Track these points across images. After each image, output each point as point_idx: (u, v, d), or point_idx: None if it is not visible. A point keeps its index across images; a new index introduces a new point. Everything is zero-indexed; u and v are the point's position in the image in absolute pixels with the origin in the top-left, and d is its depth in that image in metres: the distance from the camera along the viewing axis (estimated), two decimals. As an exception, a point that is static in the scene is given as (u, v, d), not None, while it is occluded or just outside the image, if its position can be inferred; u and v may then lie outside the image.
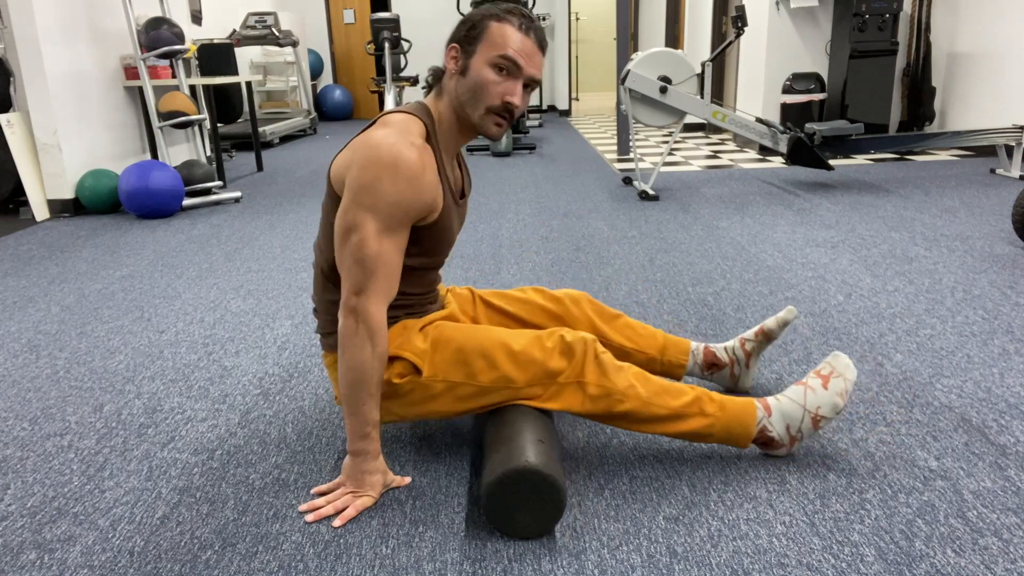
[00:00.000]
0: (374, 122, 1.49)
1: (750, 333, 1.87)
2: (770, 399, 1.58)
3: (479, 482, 1.39)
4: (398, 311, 1.59)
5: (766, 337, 1.85)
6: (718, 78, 8.12)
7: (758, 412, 1.56)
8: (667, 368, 1.85)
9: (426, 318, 1.62)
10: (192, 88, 5.26)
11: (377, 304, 1.41)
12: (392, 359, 1.53)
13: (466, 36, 1.46)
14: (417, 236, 1.51)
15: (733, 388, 1.91)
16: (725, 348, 1.88)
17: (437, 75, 1.55)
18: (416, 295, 1.61)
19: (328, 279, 1.56)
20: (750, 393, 1.92)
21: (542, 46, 1.48)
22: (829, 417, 1.54)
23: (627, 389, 1.51)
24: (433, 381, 1.53)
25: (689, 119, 8.07)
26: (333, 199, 1.48)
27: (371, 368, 1.41)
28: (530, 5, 7.61)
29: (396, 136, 1.40)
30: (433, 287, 1.66)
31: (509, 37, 1.44)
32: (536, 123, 9.23)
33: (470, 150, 6.92)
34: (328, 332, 1.60)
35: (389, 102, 6.72)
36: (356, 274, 1.39)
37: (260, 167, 6.15)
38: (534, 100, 11.12)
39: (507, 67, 1.44)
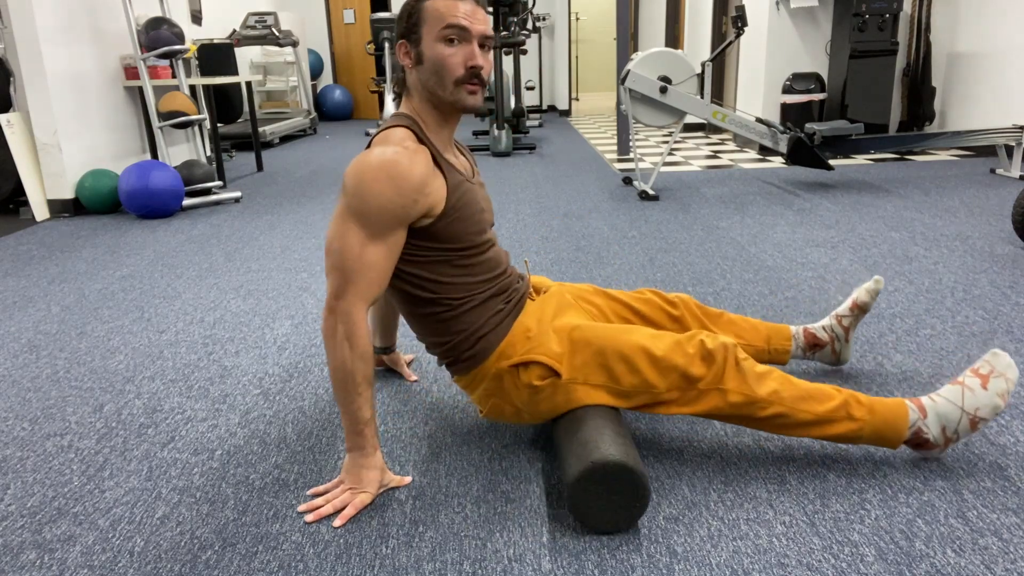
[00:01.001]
0: (369, 144, 1.51)
1: (844, 308, 1.94)
2: (924, 399, 1.54)
3: (569, 467, 1.38)
4: (494, 302, 1.58)
5: (860, 309, 1.92)
6: (718, 78, 8.12)
7: (911, 414, 1.51)
8: (774, 356, 1.91)
9: (547, 311, 1.62)
10: (192, 88, 5.26)
11: (357, 306, 1.41)
12: (528, 364, 1.54)
13: (408, 27, 1.48)
14: (440, 229, 1.49)
15: (835, 363, 1.98)
16: (823, 327, 1.94)
17: (400, 80, 1.56)
18: (494, 279, 1.60)
19: (410, 313, 1.59)
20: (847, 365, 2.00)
21: (480, 2, 1.49)
22: (988, 419, 1.49)
23: (769, 395, 1.50)
24: (573, 384, 1.53)
25: (689, 119, 8.07)
26: None
27: (353, 368, 1.42)
28: (530, 5, 7.60)
29: (380, 144, 1.44)
30: (503, 266, 1.64)
31: (445, 7, 1.45)
32: (536, 123, 9.24)
33: (470, 150, 6.92)
34: (447, 362, 1.62)
35: (389, 102, 6.72)
36: (337, 277, 1.41)
37: (260, 167, 6.15)
38: (534, 100, 11.12)
39: (455, 35, 1.44)
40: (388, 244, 1.43)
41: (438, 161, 1.49)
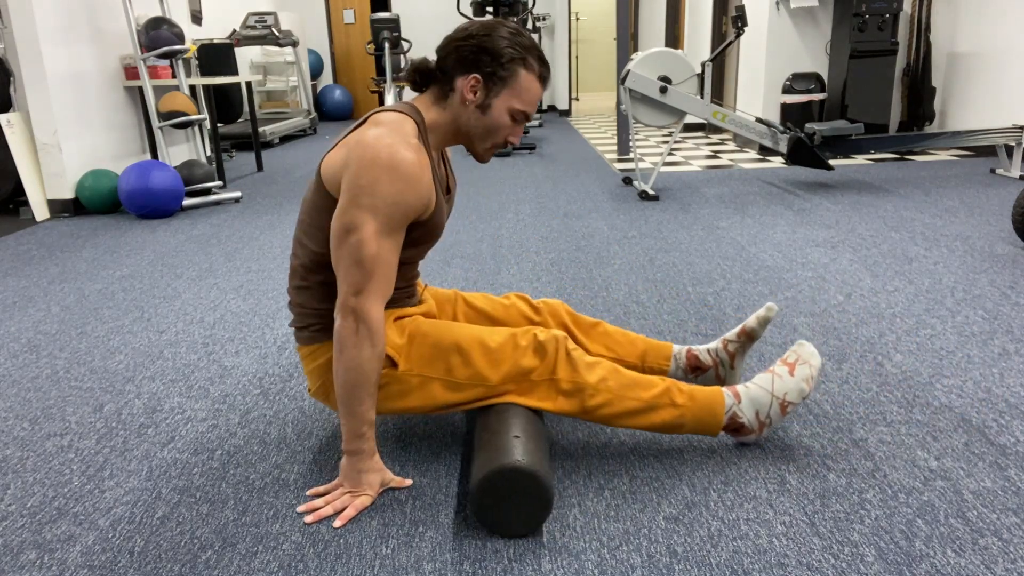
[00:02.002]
0: (365, 120, 1.49)
1: (732, 334, 1.87)
2: (739, 386, 1.62)
3: (468, 489, 1.40)
4: None
5: (748, 337, 1.85)
6: (718, 78, 8.12)
7: (727, 399, 1.59)
8: (648, 374, 1.83)
9: (402, 310, 1.63)
10: (192, 88, 5.26)
11: (376, 304, 1.41)
12: None
13: (493, 73, 1.46)
14: (409, 232, 1.51)
15: None
16: (708, 350, 1.87)
17: (424, 73, 1.53)
18: (398, 289, 1.62)
19: (310, 272, 1.55)
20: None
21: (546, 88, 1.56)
22: (796, 403, 1.59)
23: (598, 383, 1.54)
24: (409, 375, 1.55)
25: (689, 119, 8.07)
26: (324, 197, 1.48)
27: (370, 368, 1.41)
28: (530, 5, 7.60)
29: (392, 136, 1.40)
30: (413, 281, 1.68)
31: (533, 92, 1.51)
32: (536, 123, 9.23)
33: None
34: (303, 326, 1.60)
35: (389, 102, 6.72)
36: (355, 275, 1.39)
37: (260, 167, 6.15)
38: (534, 100, 11.11)
39: (522, 118, 1.52)
40: (397, 240, 1.44)
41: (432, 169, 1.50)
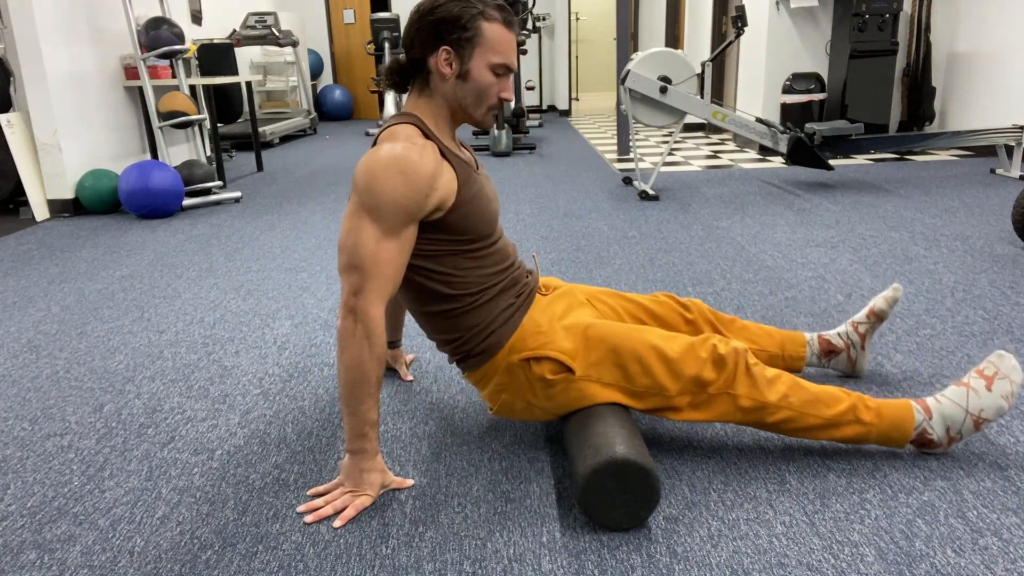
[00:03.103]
0: (375, 142, 1.51)
1: (861, 315, 1.92)
2: (930, 400, 1.57)
3: (577, 467, 1.39)
4: (505, 296, 1.58)
5: (878, 317, 1.90)
6: (718, 78, 8.12)
7: (916, 416, 1.54)
8: (788, 363, 1.89)
9: (556, 309, 1.62)
10: (192, 88, 5.26)
11: (375, 305, 1.41)
12: (540, 359, 1.54)
13: (458, 39, 1.46)
14: (452, 222, 1.49)
15: (851, 371, 1.95)
16: (839, 334, 1.92)
17: (401, 71, 1.53)
18: (504, 271, 1.60)
19: (424, 307, 1.58)
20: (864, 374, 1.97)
21: (516, 32, 1.53)
22: (991, 420, 1.52)
23: (779, 401, 1.52)
24: (587, 380, 1.54)
25: (689, 119, 8.07)
26: None
27: (369, 368, 1.41)
28: (530, 5, 7.60)
29: (392, 142, 1.43)
30: (512, 258, 1.65)
31: (505, 40, 1.48)
32: (536, 123, 9.23)
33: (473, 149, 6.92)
34: (460, 357, 1.62)
35: (389, 102, 6.72)
36: (354, 276, 1.40)
37: (260, 167, 6.15)
38: (534, 100, 11.12)
39: (503, 71, 1.50)
40: (402, 240, 1.43)
41: (445, 154, 1.50)
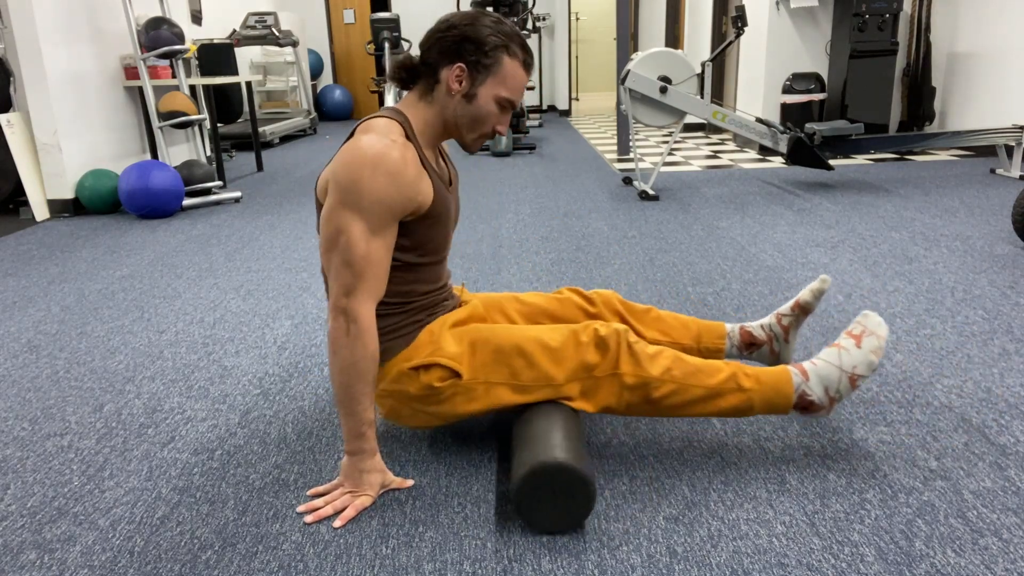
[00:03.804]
0: (353, 132, 1.49)
1: (786, 307, 1.88)
2: (805, 363, 1.59)
3: (510, 476, 1.39)
4: (419, 314, 1.59)
5: (803, 310, 1.86)
6: (718, 78, 8.12)
7: (795, 378, 1.56)
8: (705, 355, 1.86)
9: (451, 316, 1.62)
10: (192, 88, 5.26)
11: (367, 304, 1.41)
12: (429, 366, 1.54)
13: (477, 62, 1.46)
14: (414, 229, 1.50)
15: (774, 364, 1.90)
16: (761, 326, 1.88)
17: (409, 69, 1.52)
18: (430, 292, 1.61)
19: None
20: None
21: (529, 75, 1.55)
22: (866, 375, 1.56)
23: (663, 374, 1.53)
24: (474, 383, 1.54)
25: (689, 119, 8.07)
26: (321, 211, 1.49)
27: (364, 368, 1.41)
28: (530, 5, 7.60)
29: (374, 137, 1.41)
30: (444, 282, 1.66)
31: (518, 79, 1.50)
32: (536, 123, 9.23)
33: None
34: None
35: (389, 102, 6.72)
36: (345, 276, 1.40)
37: (260, 167, 6.15)
38: (534, 100, 11.12)
39: (508, 105, 1.51)
40: (388, 238, 1.43)
41: (423, 162, 1.49)
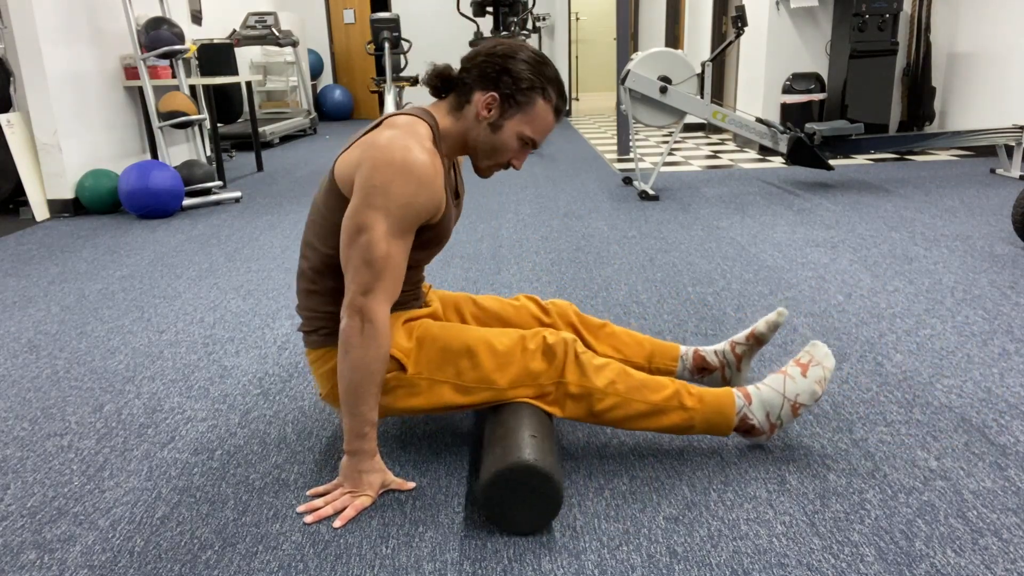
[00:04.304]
0: (380, 123, 1.49)
1: (740, 336, 1.86)
2: (750, 387, 1.61)
3: (476, 482, 1.40)
4: None
5: (757, 341, 1.84)
6: (718, 78, 8.12)
7: (737, 401, 1.58)
8: (655, 375, 1.83)
9: (408, 313, 1.63)
10: (192, 88, 5.26)
11: (383, 305, 1.41)
12: None
13: (511, 96, 1.47)
14: (418, 236, 1.51)
15: None
16: (715, 351, 1.87)
17: (446, 80, 1.52)
18: (404, 292, 1.62)
19: (320, 275, 1.54)
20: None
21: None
22: (807, 404, 1.58)
23: (607, 387, 1.54)
24: (418, 379, 1.55)
25: (689, 119, 8.06)
26: (337, 197, 1.47)
27: (376, 369, 1.41)
28: (530, 5, 7.60)
29: (406, 139, 1.40)
30: (419, 285, 1.68)
31: (546, 122, 1.51)
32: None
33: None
34: (312, 330, 1.59)
35: (389, 102, 6.72)
36: (364, 275, 1.40)
37: (260, 167, 6.15)
38: (534, 100, 11.11)
39: (530, 144, 1.52)
40: (407, 243, 1.44)
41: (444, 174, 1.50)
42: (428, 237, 1.53)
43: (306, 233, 1.57)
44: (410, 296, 1.66)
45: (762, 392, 1.59)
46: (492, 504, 1.36)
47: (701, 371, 1.86)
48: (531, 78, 1.47)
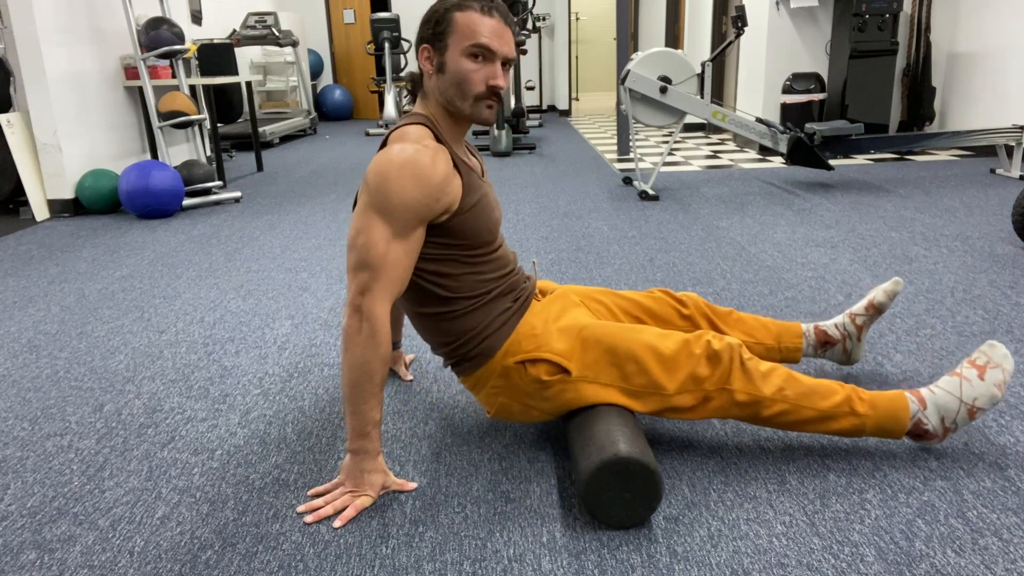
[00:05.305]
0: (385, 142, 1.51)
1: (859, 307, 1.92)
2: (923, 391, 1.57)
3: (580, 464, 1.40)
4: (501, 301, 1.59)
5: (876, 310, 1.90)
6: (718, 78, 8.12)
7: (911, 406, 1.55)
8: (784, 355, 1.89)
9: (551, 313, 1.63)
10: (192, 88, 5.26)
11: (382, 304, 1.41)
12: (535, 361, 1.55)
13: (434, 34, 1.49)
14: (455, 225, 1.50)
15: (846, 362, 1.96)
16: (836, 325, 1.92)
17: (416, 80, 1.57)
18: (503, 277, 1.61)
19: (422, 304, 1.58)
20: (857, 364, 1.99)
21: (508, 22, 1.51)
22: (986, 409, 1.52)
23: (775, 394, 1.52)
24: (583, 381, 1.54)
25: (689, 119, 8.07)
26: None
27: (374, 368, 1.42)
28: (530, 5, 7.60)
29: (405, 142, 1.44)
30: (511, 265, 1.66)
31: (476, 24, 1.46)
32: (536, 123, 9.23)
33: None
34: (455, 361, 1.62)
35: (389, 102, 6.73)
36: (362, 275, 1.41)
37: (260, 167, 6.15)
38: (534, 100, 11.12)
39: (482, 53, 1.47)
40: (411, 242, 1.44)
41: (455, 161, 1.51)
42: (469, 220, 1.51)
43: None
44: (514, 280, 1.64)
45: (937, 396, 1.54)
46: (596, 487, 1.36)
47: (824, 345, 1.92)
48: (437, 8, 1.49)
